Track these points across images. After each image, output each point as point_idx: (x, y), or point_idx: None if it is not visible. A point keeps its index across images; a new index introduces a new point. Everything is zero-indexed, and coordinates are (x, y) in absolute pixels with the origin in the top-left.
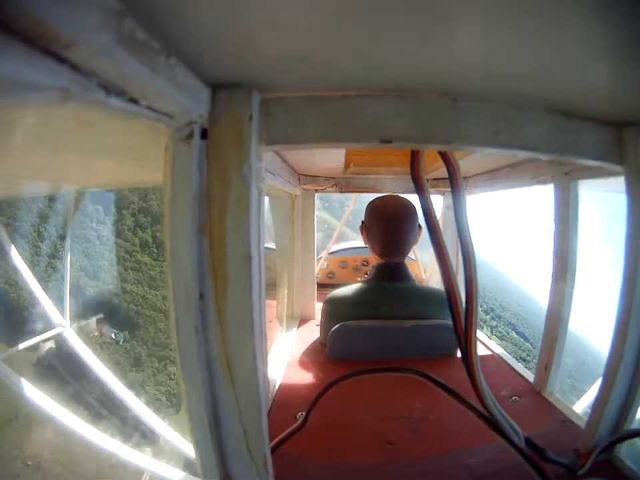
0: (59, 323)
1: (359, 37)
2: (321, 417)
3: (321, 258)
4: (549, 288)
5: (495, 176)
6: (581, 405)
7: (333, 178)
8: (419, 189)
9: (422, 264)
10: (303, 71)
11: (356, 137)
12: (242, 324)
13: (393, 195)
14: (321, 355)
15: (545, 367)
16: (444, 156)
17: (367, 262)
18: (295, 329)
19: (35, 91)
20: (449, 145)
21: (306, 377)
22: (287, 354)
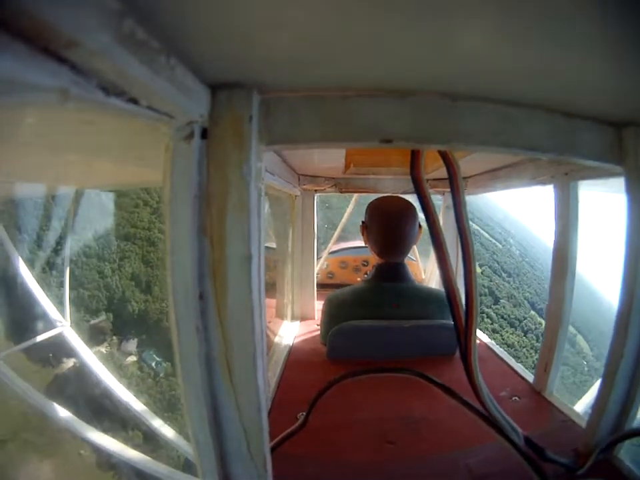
0: (59, 321)
1: (359, 37)
2: (321, 417)
3: (320, 258)
4: (549, 288)
5: (495, 176)
6: (581, 405)
7: (333, 178)
8: (419, 189)
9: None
10: (303, 71)
11: (356, 136)
12: (242, 324)
13: (393, 195)
14: (321, 355)
15: (545, 367)
16: (444, 156)
17: (367, 262)
18: (295, 328)
19: (35, 91)
20: (448, 145)
21: (306, 377)
22: (287, 353)
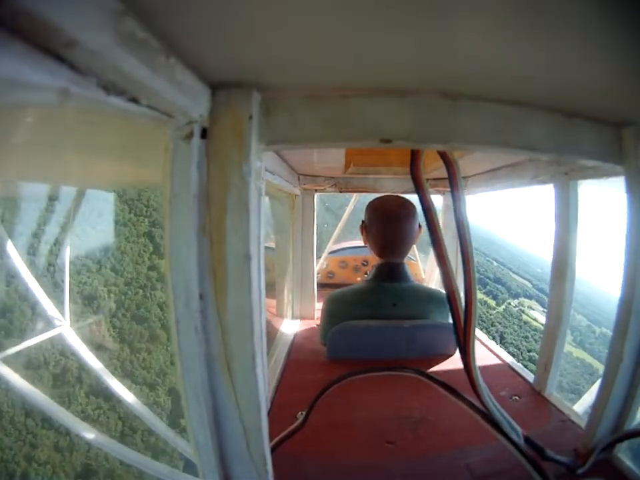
0: (58, 320)
1: (359, 37)
2: (321, 416)
3: (320, 258)
4: (549, 288)
5: (494, 176)
6: (581, 405)
7: (333, 178)
8: (419, 189)
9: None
10: (303, 71)
11: (356, 136)
12: (242, 324)
13: (393, 195)
14: (321, 355)
15: (544, 367)
16: (444, 156)
17: (367, 262)
18: (295, 328)
19: (34, 90)
20: (448, 145)
21: (306, 377)
22: (287, 353)
